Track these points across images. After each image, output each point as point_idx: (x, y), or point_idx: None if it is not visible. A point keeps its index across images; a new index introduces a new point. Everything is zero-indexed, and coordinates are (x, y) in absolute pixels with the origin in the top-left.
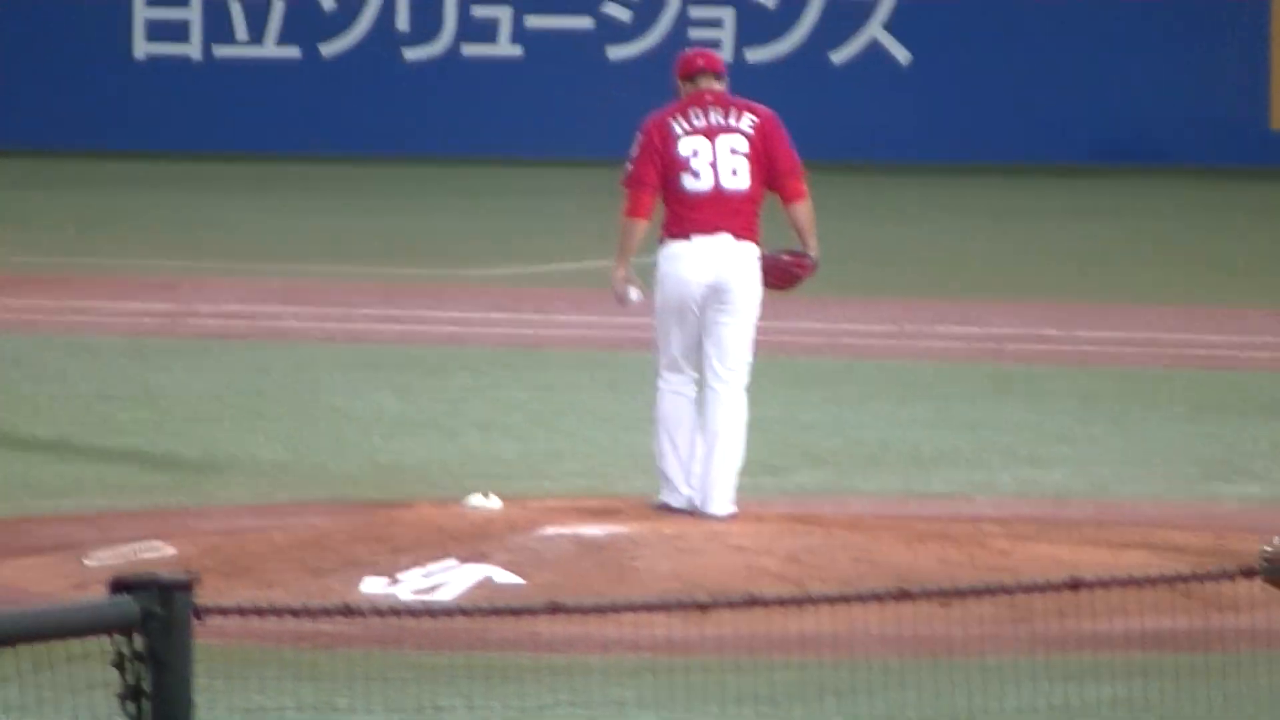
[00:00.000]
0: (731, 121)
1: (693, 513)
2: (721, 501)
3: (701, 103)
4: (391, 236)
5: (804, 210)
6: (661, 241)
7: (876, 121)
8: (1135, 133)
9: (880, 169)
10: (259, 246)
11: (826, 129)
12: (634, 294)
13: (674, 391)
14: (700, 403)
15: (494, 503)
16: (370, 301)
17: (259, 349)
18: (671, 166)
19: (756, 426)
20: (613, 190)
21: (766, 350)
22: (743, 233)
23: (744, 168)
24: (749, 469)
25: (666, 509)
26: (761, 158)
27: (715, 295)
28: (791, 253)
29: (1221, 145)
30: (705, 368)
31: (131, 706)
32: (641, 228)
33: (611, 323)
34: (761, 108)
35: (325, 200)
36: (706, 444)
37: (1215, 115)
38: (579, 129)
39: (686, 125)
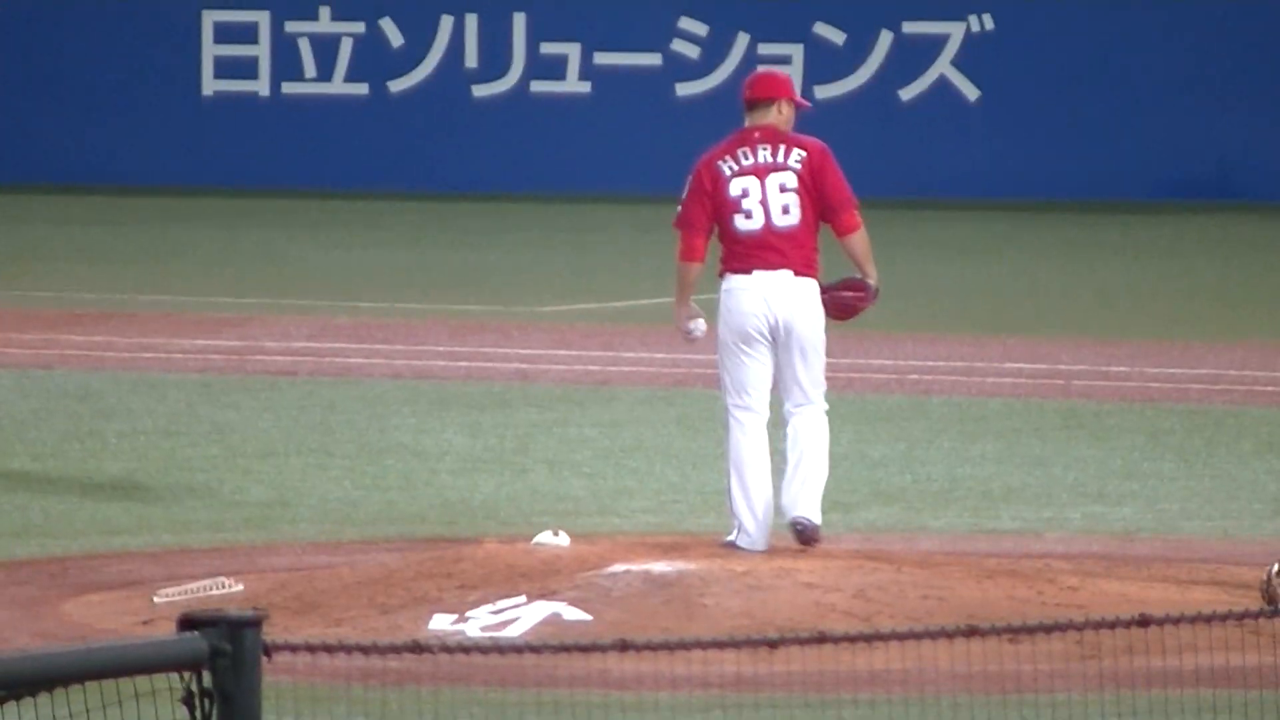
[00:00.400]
0: (780, 159)
1: (762, 552)
2: (811, 508)
3: (750, 141)
4: (459, 273)
5: (859, 241)
6: (722, 276)
7: (945, 158)
8: (1207, 169)
9: (949, 205)
10: (327, 283)
11: (895, 166)
12: (697, 327)
13: (743, 430)
14: (785, 435)
15: (562, 540)
16: (438, 338)
17: (327, 386)
18: (723, 208)
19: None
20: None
21: (835, 386)
22: (802, 269)
23: (795, 204)
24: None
25: (734, 548)
26: (812, 192)
27: (781, 334)
28: (850, 284)
29: None
30: (784, 403)
31: None
32: (696, 270)
33: (679, 359)
34: (811, 141)
35: (393, 236)
36: (793, 462)
37: None
38: (647, 165)
39: (735, 165)
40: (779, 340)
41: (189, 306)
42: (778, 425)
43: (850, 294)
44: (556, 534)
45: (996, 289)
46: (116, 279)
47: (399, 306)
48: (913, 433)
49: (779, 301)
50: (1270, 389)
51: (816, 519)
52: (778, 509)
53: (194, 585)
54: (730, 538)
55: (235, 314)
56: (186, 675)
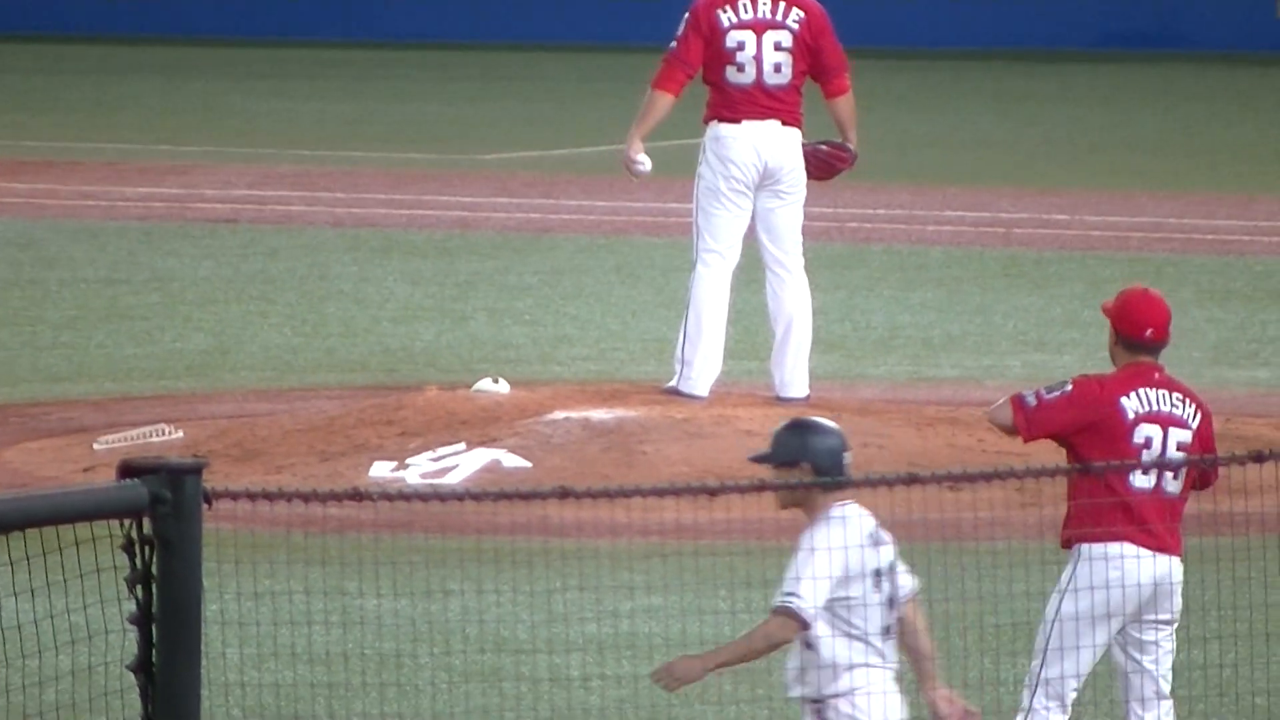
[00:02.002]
0: (779, 17)
1: (703, 399)
2: (801, 385)
3: None
4: (400, 122)
5: (846, 105)
6: (709, 123)
7: (885, 7)
8: (1147, 19)
9: (889, 55)
10: (268, 132)
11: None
12: (645, 163)
13: (710, 274)
14: (767, 290)
15: (503, 387)
16: (379, 186)
17: (268, 234)
18: (717, 57)
19: (764, 312)
20: (621, 76)
21: None
22: (790, 119)
23: (787, 63)
24: (759, 353)
25: (675, 394)
26: (806, 54)
27: (767, 179)
28: (830, 144)
29: (1235, 32)
30: (763, 254)
31: (140, 590)
32: (666, 102)
33: (620, 207)
34: (810, 3)
35: (334, 85)
36: (781, 330)
37: (1229, 1)
38: (588, 14)
39: (735, 18)
40: (764, 186)
41: (131, 155)
42: (746, 274)
43: (829, 150)
44: (497, 381)
45: (937, 139)
46: (58, 128)
47: (340, 155)
48: (853, 281)
49: (767, 148)
50: (1210, 237)
51: (805, 393)
52: (773, 383)
53: (135, 432)
54: (672, 383)
55: (177, 162)
56: (127, 522)
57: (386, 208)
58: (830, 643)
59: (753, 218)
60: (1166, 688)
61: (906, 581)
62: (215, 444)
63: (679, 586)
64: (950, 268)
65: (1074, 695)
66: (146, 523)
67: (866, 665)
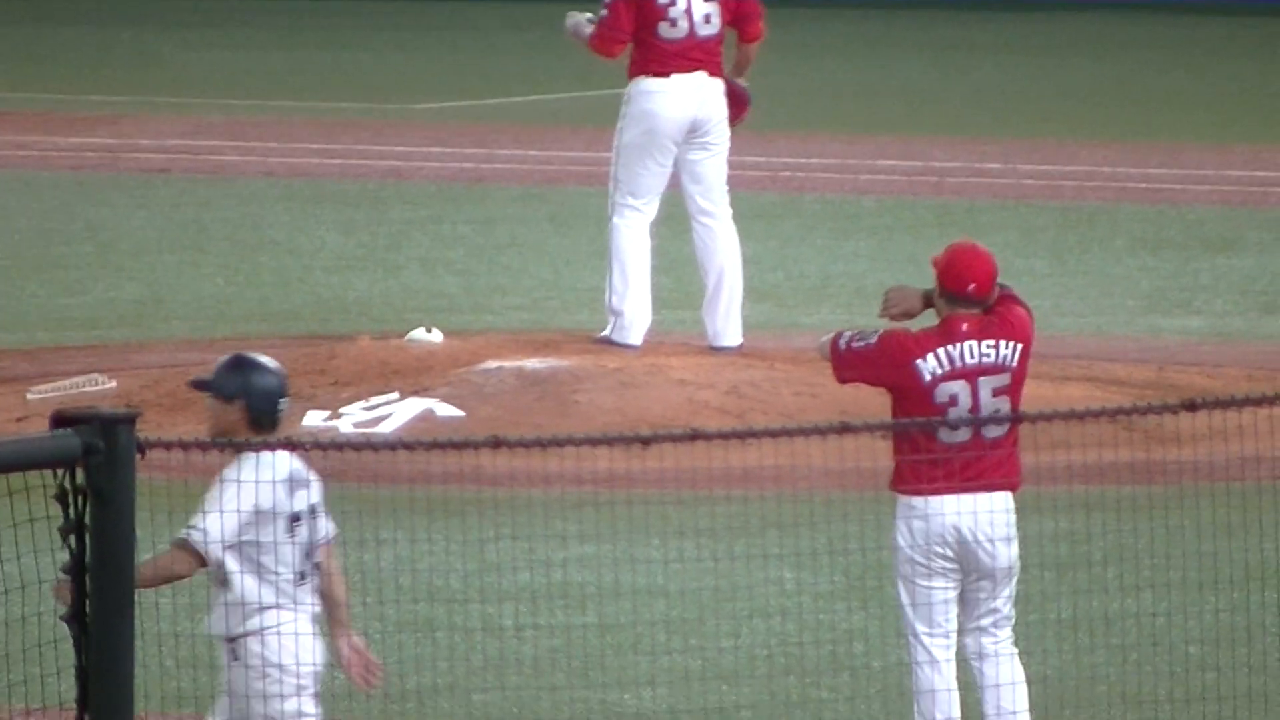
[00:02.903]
0: None
1: (636, 348)
2: (734, 334)
3: None
4: (332, 71)
5: (755, 49)
6: (634, 79)
7: None
8: None
9: (820, 5)
10: (200, 82)
11: None
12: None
13: (631, 228)
14: (694, 241)
15: (436, 336)
16: (311, 136)
17: (201, 184)
18: (649, 16)
19: (695, 262)
20: (553, 26)
21: None
22: (715, 70)
23: (716, 13)
24: (692, 302)
25: (608, 344)
26: (730, 2)
27: (694, 132)
28: (733, 86)
29: None
30: (690, 204)
31: (73, 540)
32: (608, 57)
33: (554, 156)
34: None
35: (266, 35)
36: (714, 279)
37: None
38: None
39: None
40: (690, 138)
41: (62, 105)
42: (668, 222)
43: (737, 91)
44: (430, 331)
45: (869, 88)
46: None
47: (272, 105)
48: (785, 230)
49: (696, 101)
50: (1143, 185)
51: (739, 341)
52: (706, 333)
53: (67, 382)
54: (605, 333)
55: (109, 113)
56: (60, 472)
57: (319, 157)
58: (241, 580)
59: (676, 168)
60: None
61: (325, 527)
62: (148, 394)
63: (612, 535)
64: (883, 216)
65: (946, 645)
66: (79, 473)
67: (278, 606)
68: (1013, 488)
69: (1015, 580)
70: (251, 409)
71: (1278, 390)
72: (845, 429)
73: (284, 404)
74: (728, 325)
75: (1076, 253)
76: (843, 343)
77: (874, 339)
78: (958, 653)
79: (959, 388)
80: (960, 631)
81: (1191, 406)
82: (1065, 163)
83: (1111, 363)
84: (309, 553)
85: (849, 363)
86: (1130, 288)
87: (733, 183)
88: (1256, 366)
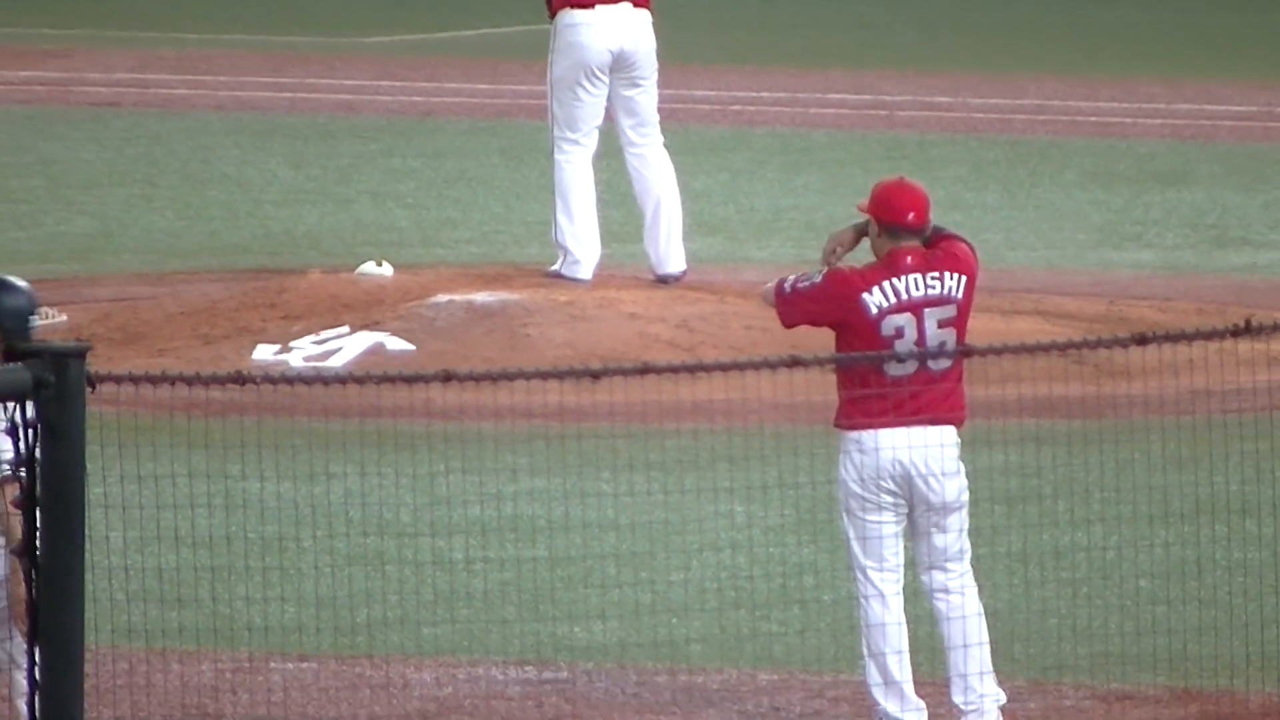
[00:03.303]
0: None
1: (586, 282)
2: (678, 260)
3: None
4: (281, 5)
5: None
6: (559, 12)
7: None
8: None
9: None
10: (149, 15)
11: None
12: None
13: (572, 162)
14: (629, 172)
15: (386, 270)
16: (261, 70)
17: (151, 118)
18: None
19: (632, 194)
20: None
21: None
22: (641, 2)
23: None
24: (640, 235)
25: (558, 278)
26: None
27: (622, 65)
28: None
29: None
30: (622, 136)
31: (24, 474)
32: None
33: (503, 90)
34: None
35: None
36: (651, 208)
37: None
38: None
39: None
40: (619, 71)
41: (11, 38)
42: (608, 157)
43: None
44: (380, 265)
45: (819, 21)
46: None
47: (223, 38)
48: (736, 164)
49: (621, 34)
50: (1094, 119)
51: (682, 268)
52: (649, 262)
53: None
54: (555, 267)
55: (58, 46)
56: (10, 406)
57: (269, 91)
58: None
59: (609, 102)
60: (958, 553)
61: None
62: (98, 327)
63: (562, 469)
64: (833, 150)
65: (894, 579)
66: (30, 406)
67: None
68: (957, 422)
69: (966, 514)
70: (2, 328)
71: (1228, 324)
72: (795, 363)
73: (35, 322)
74: (669, 253)
75: (1027, 186)
76: (787, 286)
77: (818, 278)
78: (919, 588)
79: (905, 320)
80: (918, 567)
81: (1142, 340)
82: (1016, 96)
83: (1062, 296)
84: None
85: (794, 304)
86: (1081, 221)
87: (684, 116)
88: (1207, 300)
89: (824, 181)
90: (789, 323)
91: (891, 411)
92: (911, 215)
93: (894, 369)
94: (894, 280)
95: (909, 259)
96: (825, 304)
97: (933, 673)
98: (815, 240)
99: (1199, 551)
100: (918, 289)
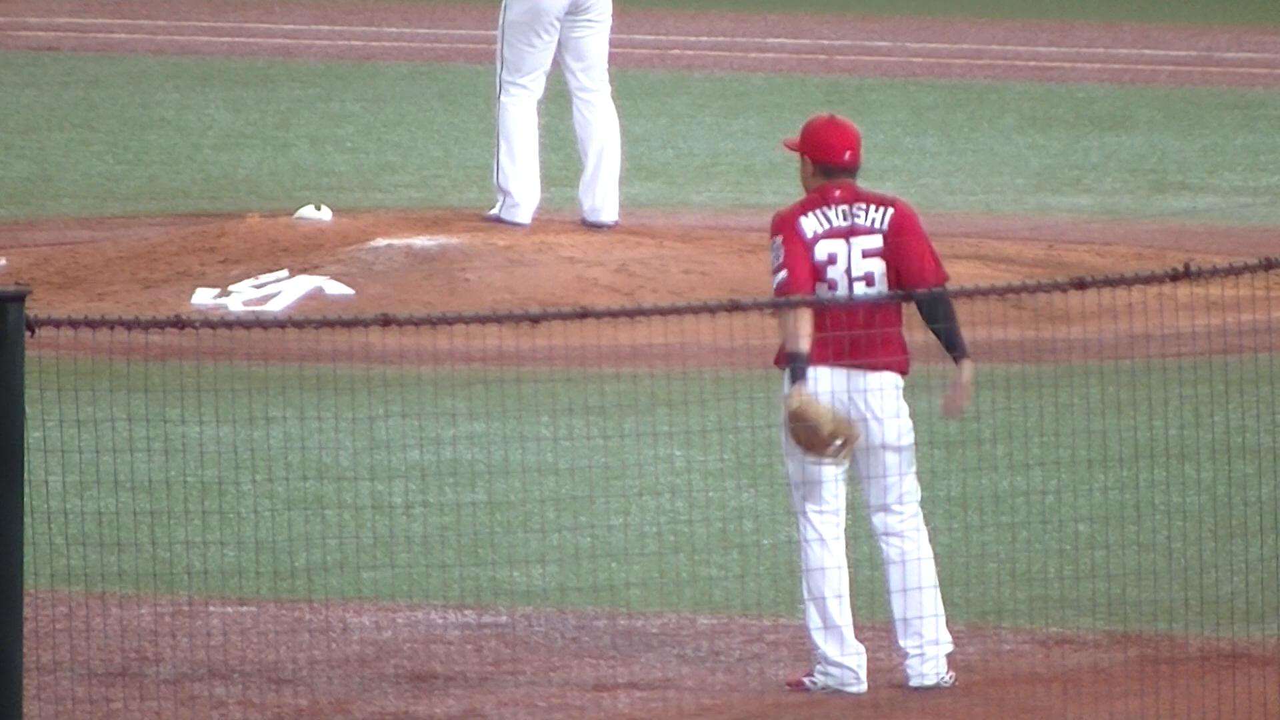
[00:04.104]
0: None
1: (525, 226)
2: (612, 209)
3: None
4: None
5: None
6: None
7: None
8: None
9: None
10: None
11: None
12: None
13: (517, 105)
14: (574, 117)
15: (325, 214)
16: (200, 13)
17: (89, 61)
18: None
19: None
20: None
21: None
22: None
23: None
24: (577, 181)
25: (498, 222)
26: None
27: (577, 6)
28: None
29: None
30: (570, 81)
31: None
32: None
33: (441, 34)
34: None
35: None
36: (594, 156)
37: None
38: None
39: None
40: (573, 13)
41: None
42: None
43: None
44: (319, 209)
45: None
46: None
47: None
48: (675, 108)
49: None
50: (1032, 64)
51: (615, 218)
52: (582, 209)
53: None
54: (494, 211)
55: None
56: None
57: (208, 35)
58: None
59: (559, 47)
60: (900, 496)
61: None
62: (37, 271)
63: (501, 413)
64: (772, 94)
65: (835, 523)
66: None
67: None
68: (899, 369)
69: (910, 456)
70: None
71: (1167, 268)
72: (734, 307)
73: None
74: (606, 201)
75: (965, 131)
76: (776, 283)
77: (778, 246)
78: (859, 531)
79: (836, 246)
80: (867, 510)
81: (1081, 285)
82: (954, 40)
83: (1001, 241)
84: None
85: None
86: (1020, 166)
87: (622, 61)
88: (1145, 245)
89: (762, 125)
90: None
91: (833, 353)
92: (847, 154)
93: (827, 294)
94: (825, 209)
95: (837, 192)
96: (797, 241)
97: (872, 616)
98: (753, 184)
99: (1138, 496)
100: (844, 219)
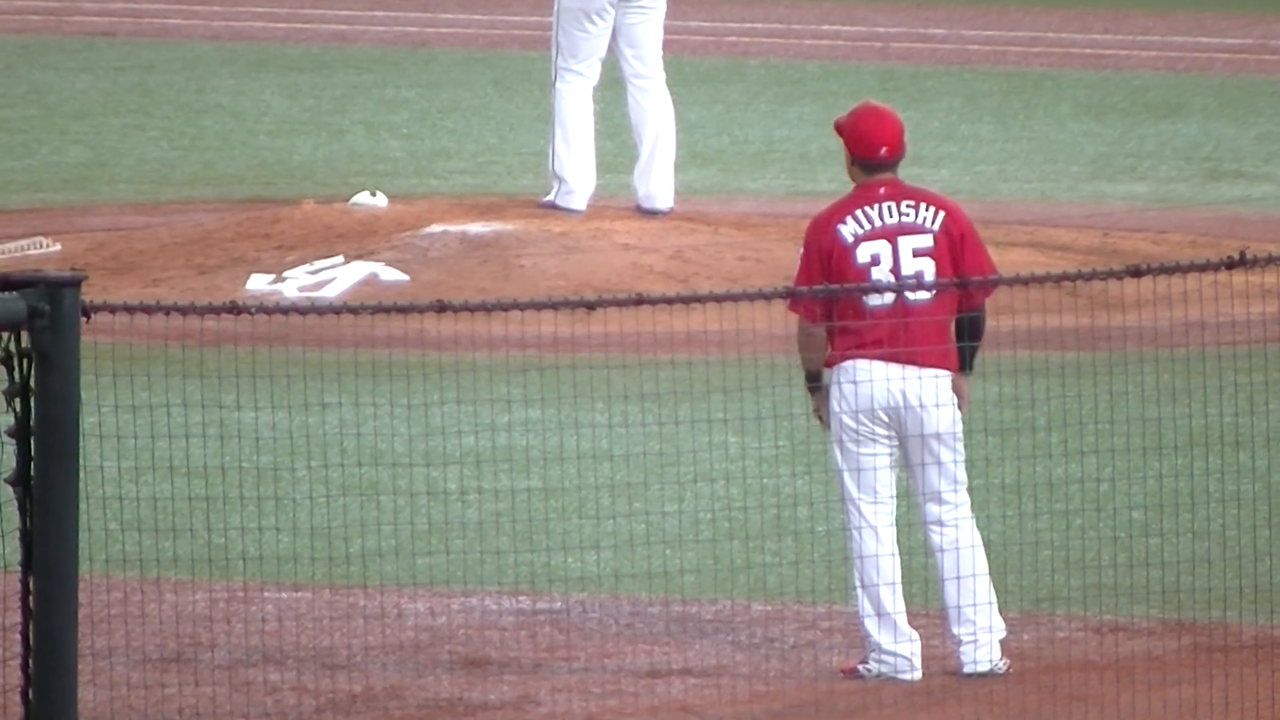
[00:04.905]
0: None
1: (580, 213)
2: (667, 196)
3: None
4: None
5: None
6: None
7: None
8: None
9: None
10: None
11: None
12: None
13: (573, 92)
14: (629, 104)
15: (380, 200)
16: (256, 0)
17: (145, 47)
18: None
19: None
20: None
21: None
22: None
23: None
24: (631, 168)
25: (553, 208)
26: None
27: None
28: None
29: None
30: (624, 68)
31: (18, 404)
32: None
33: (497, 20)
34: None
35: None
36: (649, 144)
37: None
38: None
39: None
40: (626, 1)
41: None
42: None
43: None
44: (374, 195)
45: None
46: None
47: None
48: (730, 95)
49: None
50: (1088, 51)
51: (670, 204)
52: (636, 196)
53: (11, 246)
54: (549, 198)
55: None
56: (5, 336)
57: (264, 21)
58: None
59: (613, 34)
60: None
61: None
62: (93, 257)
63: (556, 400)
64: (827, 82)
65: (886, 511)
66: (24, 336)
67: None
68: (948, 368)
69: (960, 445)
70: None
71: (1222, 256)
72: (790, 294)
73: None
74: (661, 188)
75: (1021, 118)
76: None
77: (801, 250)
78: (913, 520)
79: (880, 247)
80: (915, 498)
81: (1136, 272)
82: (1010, 28)
83: (1056, 228)
84: None
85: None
86: (1075, 153)
87: (678, 48)
88: (1200, 232)
89: (818, 113)
90: (811, 316)
91: (879, 344)
92: (884, 150)
93: (873, 300)
94: (866, 209)
95: (882, 190)
96: (816, 257)
97: (927, 604)
98: (808, 172)
99: (1192, 484)
100: (891, 216)
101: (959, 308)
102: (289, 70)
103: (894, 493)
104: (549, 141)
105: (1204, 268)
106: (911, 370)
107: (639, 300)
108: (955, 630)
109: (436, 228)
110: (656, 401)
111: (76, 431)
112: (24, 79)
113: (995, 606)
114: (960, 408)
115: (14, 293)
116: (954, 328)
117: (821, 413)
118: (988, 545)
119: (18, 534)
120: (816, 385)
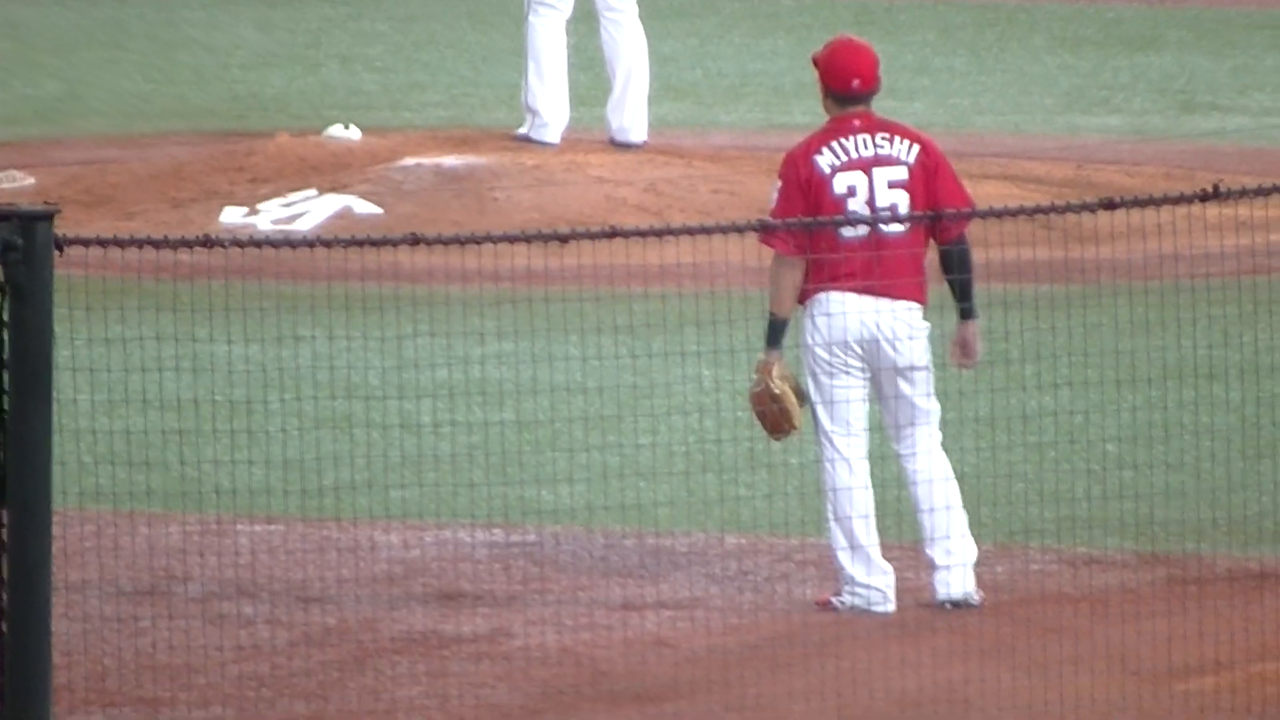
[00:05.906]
0: None
1: (555, 145)
2: (641, 129)
3: None
4: None
5: None
6: None
7: None
8: None
9: None
10: None
11: None
12: None
13: (545, 24)
14: (602, 37)
15: (354, 133)
16: None
17: None
18: None
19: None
20: None
21: None
22: None
23: None
24: (605, 101)
25: (526, 140)
26: None
27: None
28: None
29: None
30: (598, 1)
31: None
32: None
33: None
34: None
35: None
36: (623, 77)
37: None
38: None
39: None
40: None
41: None
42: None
43: None
44: (348, 128)
45: None
46: None
47: None
48: (704, 28)
49: None
50: None
51: (644, 137)
52: (609, 129)
53: None
54: (523, 130)
55: None
56: None
57: None
58: None
59: None
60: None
61: None
62: (66, 190)
63: (529, 332)
64: (801, 15)
65: (859, 444)
66: None
67: None
68: (920, 299)
69: (930, 376)
70: None
71: (1196, 189)
72: (763, 227)
73: None
74: (634, 121)
75: (995, 51)
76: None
77: (778, 182)
78: (886, 452)
79: (856, 179)
80: (888, 431)
81: (1110, 205)
82: None
83: (1030, 161)
84: None
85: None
86: (1049, 86)
87: None
88: (1175, 165)
89: (792, 46)
90: (788, 249)
91: (853, 276)
92: (856, 82)
93: (847, 232)
94: (842, 140)
95: (856, 122)
96: (795, 189)
97: (901, 537)
98: (782, 105)
99: (1166, 416)
100: (866, 148)
101: (934, 240)
102: (263, 3)
103: (867, 426)
104: (523, 75)
105: (1178, 200)
106: (885, 302)
107: (612, 233)
108: (929, 553)
109: (410, 161)
110: (630, 334)
111: (50, 365)
112: None
113: (969, 537)
114: (973, 356)
115: None
116: (941, 262)
117: (768, 371)
118: (962, 478)
119: None
120: (777, 338)
